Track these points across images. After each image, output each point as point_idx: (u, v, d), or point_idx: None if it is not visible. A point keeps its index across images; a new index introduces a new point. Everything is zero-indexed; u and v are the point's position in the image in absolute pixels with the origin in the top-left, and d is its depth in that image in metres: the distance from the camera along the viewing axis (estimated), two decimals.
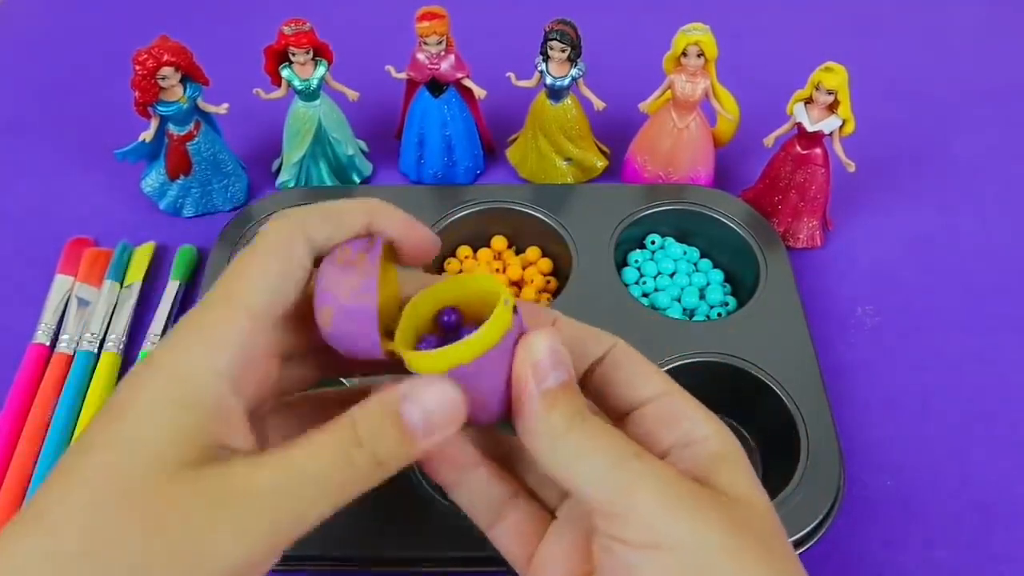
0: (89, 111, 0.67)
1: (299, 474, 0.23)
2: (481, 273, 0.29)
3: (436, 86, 0.57)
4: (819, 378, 0.46)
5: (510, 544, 0.29)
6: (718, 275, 0.55)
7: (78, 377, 0.49)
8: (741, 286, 0.54)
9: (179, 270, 0.54)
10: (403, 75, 0.57)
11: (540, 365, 0.25)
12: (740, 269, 0.54)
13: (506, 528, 0.29)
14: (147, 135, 0.55)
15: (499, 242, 0.56)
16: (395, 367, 0.26)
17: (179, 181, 0.57)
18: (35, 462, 0.46)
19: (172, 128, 0.55)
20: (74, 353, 0.50)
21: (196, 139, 0.56)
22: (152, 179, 0.58)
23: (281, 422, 0.28)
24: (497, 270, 0.55)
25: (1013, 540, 0.44)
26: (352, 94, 0.57)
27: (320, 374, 0.29)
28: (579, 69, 0.55)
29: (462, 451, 0.28)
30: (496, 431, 0.30)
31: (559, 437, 0.25)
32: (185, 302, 0.54)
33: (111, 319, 0.52)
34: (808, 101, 0.52)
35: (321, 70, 0.55)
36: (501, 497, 0.29)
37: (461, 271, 0.55)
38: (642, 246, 0.56)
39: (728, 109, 0.56)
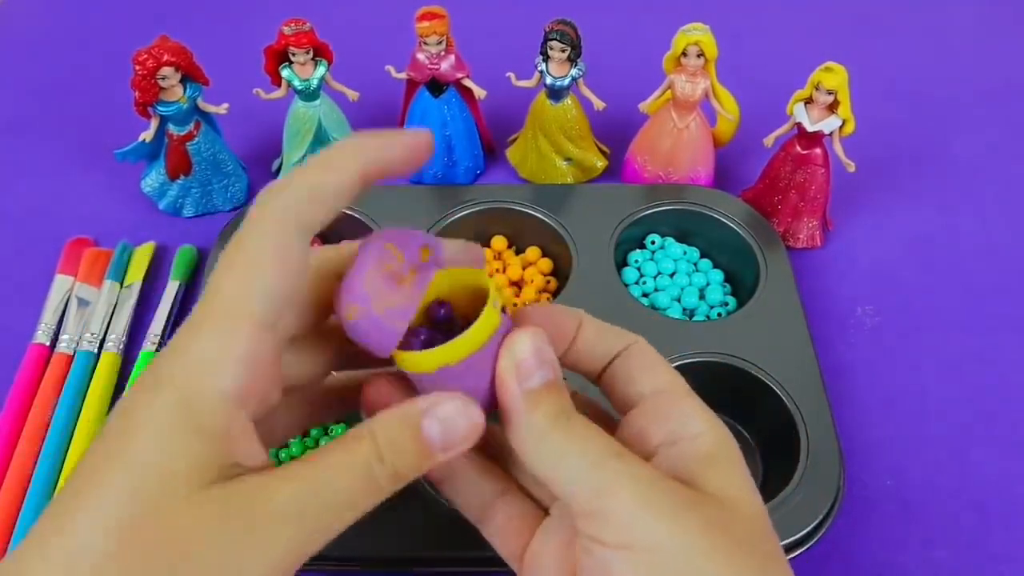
0: (89, 111, 0.67)
1: (323, 492, 0.23)
2: (473, 268, 0.28)
3: (436, 86, 0.57)
4: (819, 378, 0.46)
5: (502, 538, 0.29)
6: (718, 275, 0.55)
7: (78, 377, 0.49)
8: (741, 286, 0.54)
9: (179, 270, 0.54)
10: (403, 75, 0.57)
11: (523, 365, 0.25)
12: (740, 269, 0.54)
13: (498, 523, 0.29)
14: (147, 135, 0.55)
15: (499, 242, 0.56)
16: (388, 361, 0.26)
17: (179, 181, 0.57)
18: (35, 462, 0.46)
19: (172, 128, 0.55)
20: (74, 353, 0.50)
21: (196, 139, 0.56)
22: (152, 179, 0.58)
23: (283, 408, 0.27)
24: (497, 270, 0.55)
25: (1013, 540, 0.44)
26: (352, 94, 0.57)
27: (326, 365, 0.28)
28: (579, 69, 0.55)
29: None
30: (488, 424, 0.30)
31: (541, 437, 0.25)
32: (185, 302, 0.54)
33: (111, 319, 0.52)
34: (808, 101, 0.52)
35: (321, 70, 0.55)
36: (491, 492, 0.29)
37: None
38: (642, 246, 0.56)
39: (728, 109, 0.56)
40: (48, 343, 0.51)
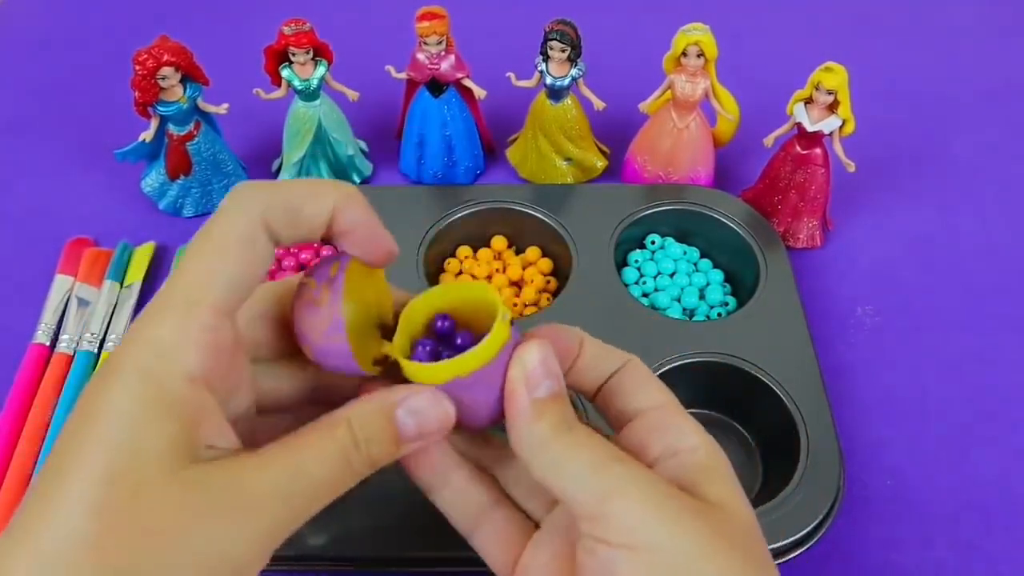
0: (89, 111, 0.67)
1: (302, 477, 0.23)
2: (477, 281, 0.29)
3: (436, 86, 0.57)
4: (819, 378, 0.46)
5: (492, 549, 0.30)
6: (718, 275, 0.55)
7: (78, 377, 0.49)
8: (741, 286, 0.54)
9: None
10: (403, 75, 0.57)
11: (532, 375, 0.26)
12: (740, 269, 0.54)
13: (488, 533, 0.30)
14: (147, 135, 0.55)
15: (499, 242, 0.56)
16: (389, 374, 0.27)
17: (179, 181, 0.57)
18: (35, 462, 0.46)
19: (172, 128, 0.55)
20: (74, 353, 0.50)
21: (196, 139, 0.56)
22: (152, 179, 0.58)
23: (271, 425, 0.28)
24: (497, 270, 0.55)
25: (1013, 540, 0.44)
26: (352, 94, 0.57)
27: (308, 382, 0.29)
28: (579, 69, 0.55)
29: (441, 455, 0.29)
30: (489, 435, 0.31)
31: (546, 444, 0.26)
32: None
33: (111, 319, 0.52)
34: (808, 101, 0.52)
35: (321, 70, 0.55)
36: (481, 503, 0.30)
37: (461, 272, 0.55)
38: (642, 246, 0.56)
39: (728, 109, 0.56)
40: (48, 343, 0.51)
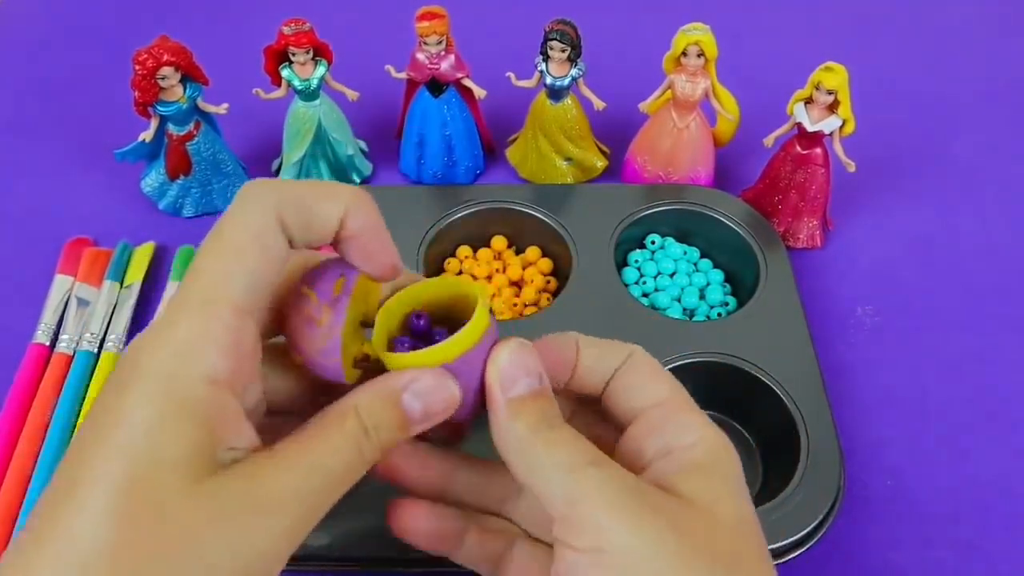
0: (89, 111, 0.67)
1: (317, 473, 0.23)
2: (452, 276, 0.29)
3: (436, 86, 0.57)
4: (819, 378, 0.46)
5: None
6: (718, 275, 0.55)
7: (78, 377, 0.49)
8: (741, 286, 0.54)
9: (179, 270, 0.54)
10: (403, 75, 0.57)
11: (505, 373, 0.26)
12: (740, 269, 0.54)
13: (511, 573, 0.29)
14: (147, 135, 0.55)
15: (499, 242, 0.56)
16: (370, 372, 0.27)
17: (179, 181, 0.57)
18: (35, 462, 0.45)
19: (172, 128, 0.55)
20: (74, 353, 0.50)
21: (196, 139, 0.56)
22: (152, 179, 0.58)
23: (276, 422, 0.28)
24: (497, 270, 0.55)
25: (1013, 540, 0.44)
26: (352, 94, 0.57)
27: (307, 386, 0.29)
28: (579, 69, 0.55)
29: (451, 526, 0.29)
30: (490, 474, 0.31)
31: (521, 444, 0.26)
32: None
33: (111, 319, 0.52)
34: (808, 101, 0.52)
35: (321, 70, 0.55)
36: (497, 551, 0.29)
37: (461, 272, 0.55)
38: (642, 246, 0.56)
39: (728, 109, 0.56)
40: (48, 343, 0.51)
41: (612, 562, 0.24)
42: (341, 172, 0.60)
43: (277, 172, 0.61)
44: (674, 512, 0.25)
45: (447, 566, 0.41)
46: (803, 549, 0.41)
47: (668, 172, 0.58)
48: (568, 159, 0.60)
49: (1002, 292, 0.55)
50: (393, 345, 0.27)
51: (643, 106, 0.58)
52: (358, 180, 0.61)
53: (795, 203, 0.55)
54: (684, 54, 0.53)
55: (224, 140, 0.58)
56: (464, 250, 0.55)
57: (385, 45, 0.61)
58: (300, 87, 0.55)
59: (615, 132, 0.62)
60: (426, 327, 0.28)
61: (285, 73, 0.55)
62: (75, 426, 0.47)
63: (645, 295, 0.53)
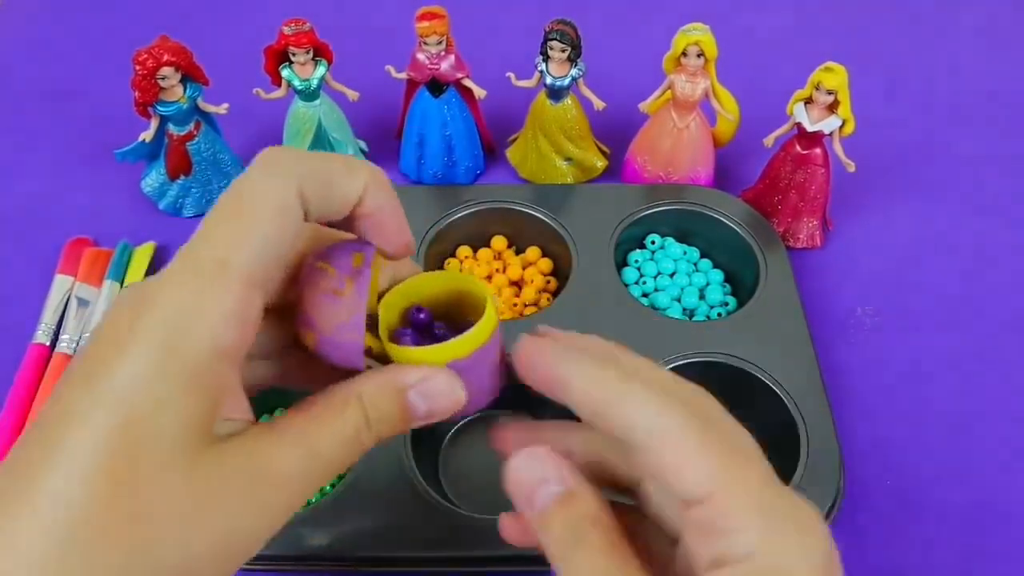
0: (89, 111, 0.67)
1: (316, 456, 0.23)
2: (451, 271, 0.29)
3: (436, 86, 0.57)
4: (819, 378, 0.46)
5: None
6: (718, 275, 0.55)
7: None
8: (741, 286, 0.54)
9: None
10: (403, 75, 0.57)
11: (522, 489, 0.25)
12: (740, 269, 0.54)
13: None
14: (147, 135, 0.55)
15: (499, 242, 0.56)
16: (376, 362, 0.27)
17: (179, 181, 0.57)
18: None
19: (172, 128, 0.55)
20: (74, 353, 0.50)
21: (196, 139, 0.56)
22: (152, 179, 0.58)
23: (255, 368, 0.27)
24: (497, 270, 0.55)
25: (1013, 540, 0.44)
26: (352, 94, 0.57)
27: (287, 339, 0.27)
28: (579, 69, 0.55)
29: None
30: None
31: (555, 561, 0.24)
32: None
33: None
34: (808, 101, 0.52)
35: (321, 70, 0.55)
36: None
37: (461, 272, 0.55)
38: (642, 246, 0.56)
39: (728, 109, 0.56)
40: (48, 343, 0.51)
41: None
42: None
43: None
44: None
45: (447, 566, 0.41)
46: None
47: (668, 172, 0.58)
48: (568, 159, 0.60)
49: (1002, 292, 0.55)
50: (395, 338, 0.27)
51: (643, 106, 0.58)
52: None
53: (795, 203, 0.55)
54: (684, 54, 0.53)
55: (224, 140, 0.58)
56: (464, 250, 0.55)
57: (385, 45, 0.61)
58: (300, 87, 0.55)
59: (615, 132, 0.62)
60: (427, 321, 0.27)
61: (285, 73, 0.55)
62: None
63: (645, 295, 0.53)
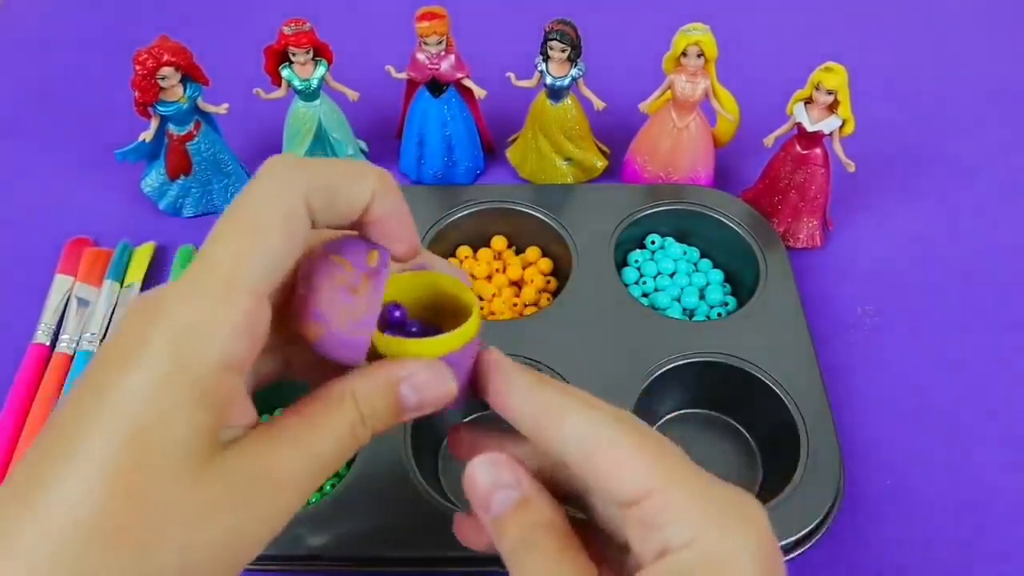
0: (89, 111, 0.67)
1: (314, 457, 0.23)
2: (427, 271, 0.29)
3: (436, 86, 0.57)
4: (819, 378, 0.46)
5: None
6: (718, 275, 0.55)
7: (78, 377, 0.49)
8: (741, 286, 0.54)
9: (179, 270, 0.54)
10: (403, 75, 0.57)
11: (479, 498, 0.26)
12: (740, 269, 0.54)
13: None
14: (147, 135, 0.55)
15: (499, 242, 0.56)
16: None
17: (179, 181, 0.57)
18: None
19: (172, 128, 0.55)
20: (74, 353, 0.50)
21: (196, 139, 0.56)
22: (152, 179, 0.58)
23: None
24: (497, 270, 0.55)
25: (1012, 540, 0.44)
26: (352, 94, 0.57)
27: (283, 371, 0.28)
28: (579, 69, 0.55)
29: None
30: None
31: (509, 563, 0.25)
32: None
33: (111, 319, 0.52)
34: (808, 101, 0.52)
35: (321, 70, 0.55)
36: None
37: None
38: (642, 246, 0.56)
39: (728, 109, 0.56)
40: (48, 343, 0.51)
41: None
42: None
43: None
44: None
45: (447, 566, 0.41)
46: (803, 549, 0.41)
47: (668, 172, 0.58)
48: (568, 159, 0.60)
49: (1002, 292, 0.55)
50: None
51: (643, 106, 0.58)
52: None
53: (795, 203, 0.55)
54: (684, 54, 0.53)
55: (224, 140, 0.58)
56: (464, 250, 0.55)
57: (385, 45, 0.61)
58: (300, 87, 0.55)
59: (615, 132, 0.62)
60: (402, 319, 0.27)
61: (285, 73, 0.55)
62: None
63: (645, 295, 0.53)
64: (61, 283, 0.53)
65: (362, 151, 0.62)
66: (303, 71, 0.55)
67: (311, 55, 0.54)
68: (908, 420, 0.49)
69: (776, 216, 0.56)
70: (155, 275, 0.55)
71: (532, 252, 0.55)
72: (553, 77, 0.55)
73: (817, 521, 0.41)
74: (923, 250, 0.58)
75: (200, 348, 0.21)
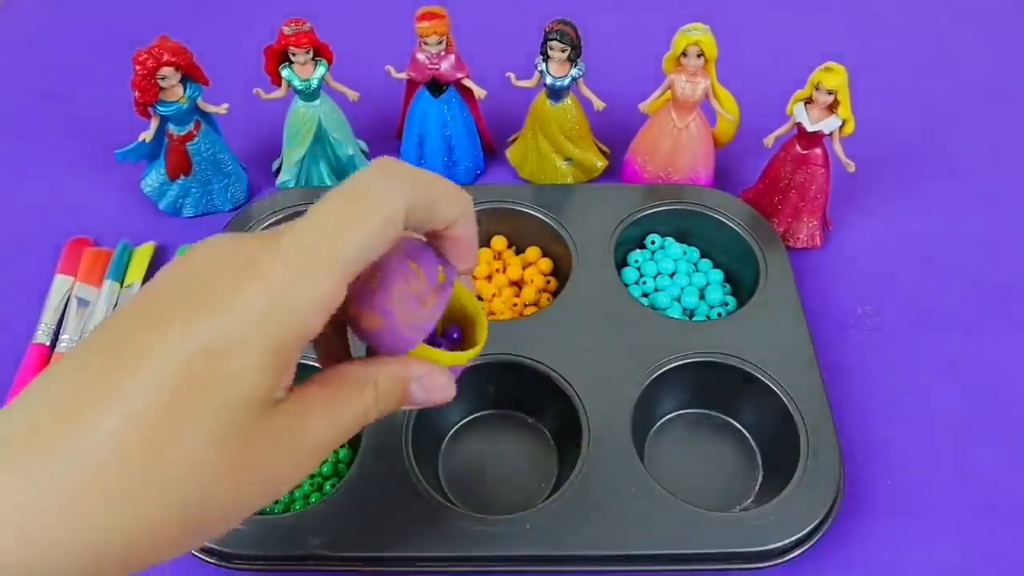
0: (89, 111, 0.67)
1: (338, 428, 0.26)
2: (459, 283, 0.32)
3: (436, 86, 0.57)
4: (819, 378, 0.46)
5: None
6: (718, 275, 0.55)
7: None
8: (741, 286, 0.54)
9: None
10: (403, 75, 0.57)
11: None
12: (740, 269, 0.54)
13: None
14: (147, 135, 0.55)
15: (499, 242, 0.56)
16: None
17: (179, 181, 0.57)
18: None
19: (172, 128, 0.55)
20: None
21: (196, 139, 0.56)
22: (152, 179, 0.58)
23: None
24: (497, 270, 0.55)
25: (1013, 540, 0.44)
26: (352, 94, 0.57)
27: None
28: (579, 69, 0.55)
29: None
30: None
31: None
32: None
33: None
34: (808, 101, 0.52)
35: (321, 70, 0.55)
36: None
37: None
38: (642, 246, 0.56)
39: (728, 109, 0.56)
40: (48, 343, 0.51)
41: None
42: (341, 172, 0.60)
43: (277, 172, 0.61)
44: None
45: (447, 565, 0.41)
46: (803, 549, 0.41)
47: (668, 172, 0.58)
48: (568, 159, 0.60)
49: (1002, 292, 0.55)
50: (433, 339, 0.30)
51: (643, 106, 0.58)
52: None
53: (795, 203, 0.55)
54: (684, 54, 0.53)
55: (224, 140, 0.58)
56: None
57: (385, 45, 0.61)
58: (300, 87, 0.55)
59: (615, 132, 0.62)
60: (458, 340, 0.32)
61: (285, 73, 0.55)
62: None
63: (645, 295, 0.53)
64: (61, 283, 0.53)
65: (362, 151, 0.62)
66: (303, 71, 0.55)
67: (311, 55, 0.54)
68: (908, 420, 0.49)
69: (776, 216, 0.56)
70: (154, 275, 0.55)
71: (532, 252, 0.55)
72: (553, 77, 0.55)
73: (817, 521, 0.41)
74: (923, 250, 0.58)
75: (287, 315, 0.23)
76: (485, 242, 0.56)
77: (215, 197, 0.59)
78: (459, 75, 0.56)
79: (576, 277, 0.51)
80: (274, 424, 0.24)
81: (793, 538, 0.40)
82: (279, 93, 0.56)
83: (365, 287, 0.27)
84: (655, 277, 0.54)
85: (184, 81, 0.53)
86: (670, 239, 0.56)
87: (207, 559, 0.40)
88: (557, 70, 0.55)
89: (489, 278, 0.54)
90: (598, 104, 0.57)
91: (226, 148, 0.58)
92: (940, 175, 0.63)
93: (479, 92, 0.57)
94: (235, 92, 0.56)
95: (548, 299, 0.53)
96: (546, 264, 0.55)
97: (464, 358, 0.30)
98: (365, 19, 0.75)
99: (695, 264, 0.55)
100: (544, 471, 0.46)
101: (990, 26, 0.76)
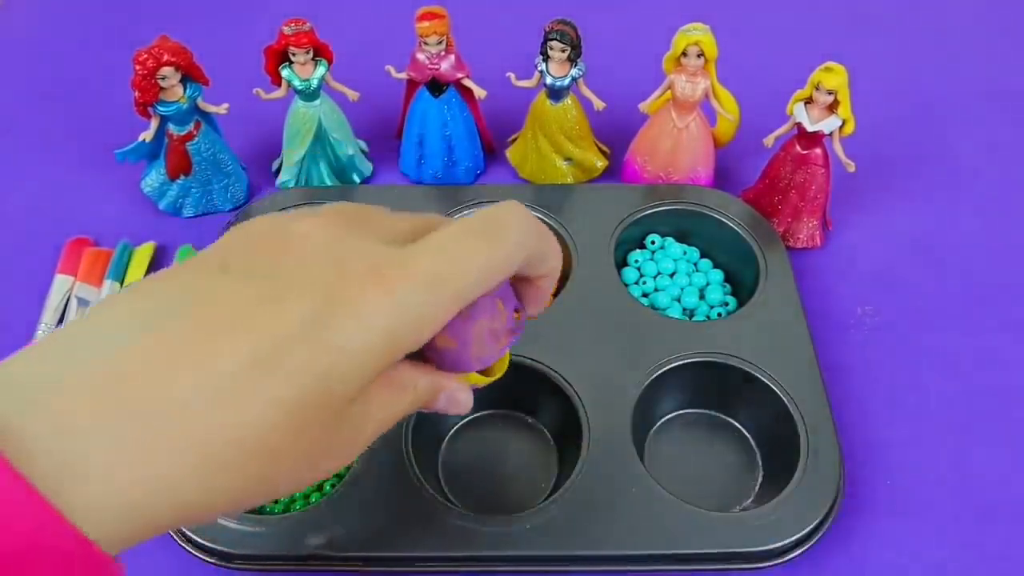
0: (89, 111, 0.67)
1: (386, 422, 0.28)
2: None
3: (436, 86, 0.57)
4: (819, 378, 0.46)
5: None
6: (718, 275, 0.55)
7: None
8: (741, 286, 0.54)
9: None
10: (403, 75, 0.57)
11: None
12: (740, 269, 0.54)
13: None
14: (147, 135, 0.55)
15: None
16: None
17: (179, 181, 0.57)
18: None
19: (172, 128, 0.55)
20: None
21: (196, 139, 0.56)
22: (152, 179, 0.58)
23: None
24: None
25: (1013, 540, 0.44)
26: (352, 94, 0.57)
27: None
28: (579, 69, 0.55)
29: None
30: None
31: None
32: None
33: None
34: (808, 101, 0.52)
35: (321, 70, 0.55)
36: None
37: None
38: (642, 246, 0.56)
39: (728, 109, 0.56)
40: None
41: None
42: (341, 172, 0.60)
43: (277, 172, 0.61)
44: None
45: (447, 566, 0.41)
46: (803, 549, 0.41)
47: (668, 172, 0.58)
48: (568, 159, 0.60)
49: (1002, 292, 0.55)
50: None
51: (643, 106, 0.58)
52: (358, 180, 0.61)
53: (795, 203, 0.55)
54: (684, 54, 0.53)
55: (224, 140, 0.58)
56: None
57: (385, 45, 0.61)
58: (300, 87, 0.55)
59: (615, 132, 0.62)
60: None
61: (285, 73, 0.55)
62: None
63: (645, 295, 0.53)
64: (61, 283, 0.53)
65: (362, 151, 0.62)
66: (303, 71, 0.55)
67: (311, 55, 0.54)
68: (908, 420, 0.49)
69: (776, 216, 0.56)
70: None
71: None
72: (553, 77, 0.55)
73: (817, 521, 0.41)
74: (923, 250, 0.58)
75: (406, 336, 0.25)
76: None
77: (215, 197, 0.59)
78: (459, 75, 0.56)
79: (576, 277, 0.51)
80: (349, 413, 0.26)
81: (793, 538, 0.40)
82: (279, 93, 0.56)
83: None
84: (655, 277, 0.54)
85: (184, 81, 0.53)
86: (670, 239, 0.56)
87: (207, 559, 0.40)
88: (557, 70, 0.55)
89: None
90: (598, 104, 0.57)
91: (226, 148, 0.58)
92: (940, 175, 0.63)
93: (479, 92, 0.57)
94: (235, 92, 0.56)
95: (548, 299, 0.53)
96: None
97: (486, 381, 0.32)
98: (365, 19, 0.75)
99: (695, 264, 0.55)
100: (544, 471, 0.46)
101: (990, 26, 0.76)
